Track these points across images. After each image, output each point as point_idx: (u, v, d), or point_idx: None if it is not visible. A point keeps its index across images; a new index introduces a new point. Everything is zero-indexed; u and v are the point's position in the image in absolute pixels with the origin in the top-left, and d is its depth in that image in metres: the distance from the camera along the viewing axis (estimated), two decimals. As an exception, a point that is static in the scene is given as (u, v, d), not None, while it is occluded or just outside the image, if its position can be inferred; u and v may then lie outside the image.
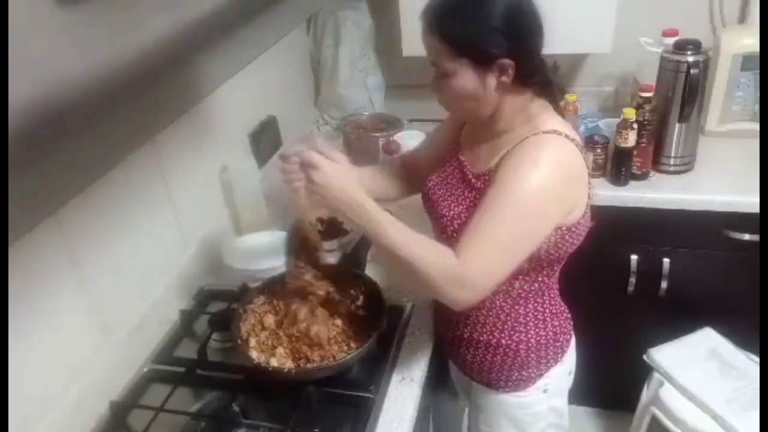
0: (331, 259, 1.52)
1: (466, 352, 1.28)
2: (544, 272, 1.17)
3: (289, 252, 1.25)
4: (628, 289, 1.90)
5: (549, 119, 1.09)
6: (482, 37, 1.01)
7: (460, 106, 1.10)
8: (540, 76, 1.10)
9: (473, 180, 1.16)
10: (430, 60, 1.08)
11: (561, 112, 1.16)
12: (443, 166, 1.25)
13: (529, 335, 1.21)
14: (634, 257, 1.87)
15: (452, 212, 1.17)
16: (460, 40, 1.02)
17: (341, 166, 1.05)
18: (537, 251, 1.09)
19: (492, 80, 1.04)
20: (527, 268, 1.13)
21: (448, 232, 1.16)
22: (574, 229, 1.10)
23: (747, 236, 1.76)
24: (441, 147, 1.30)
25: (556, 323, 1.24)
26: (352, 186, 1.04)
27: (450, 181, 1.22)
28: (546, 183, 1.03)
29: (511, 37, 1.02)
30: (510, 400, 1.27)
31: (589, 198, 1.12)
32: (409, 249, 1.01)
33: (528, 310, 1.20)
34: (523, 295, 1.19)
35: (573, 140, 1.07)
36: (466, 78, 1.04)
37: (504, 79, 1.04)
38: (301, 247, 1.25)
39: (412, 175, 1.37)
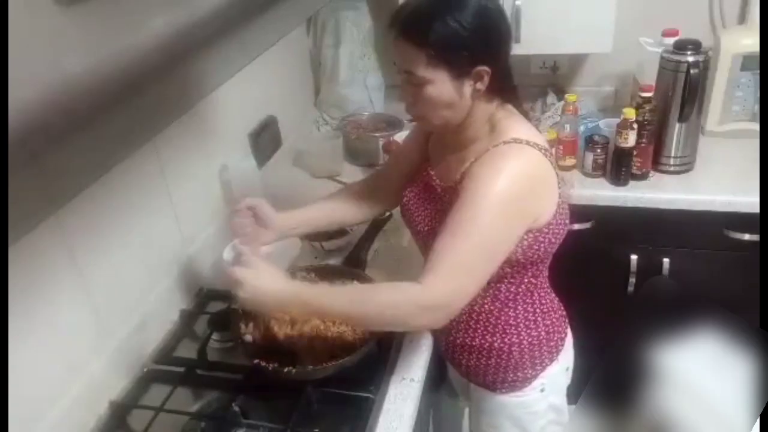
0: (332, 259, 1.52)
1: (461, 357, 1.28)
2: (529, 273, 1.17)
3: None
4: (628, 289, 1.90)
5: (512, 126, 1.08)
6: (461, 44, 1.00)
7: (434, 114, 1.08)
8: (511, 83, 1.10)
9: (441, 192, 1.17)
10: (402, 68, 1.05)
11: (526, 114, 1.16)
12: (416, 180, 1.26)
13: (521, 337, 1.21)
14: (634, 257, 1.87)
15: (426, 227, 1.19)
16: (439, 47, 1.00)
17: (260, 268, 1.06)
18: (513, 256, 1.09)
19: (468, 88, 1.04)
20: (510, 272, 1.13)
21: (426, 246, 1.16)
22: (546, 230, 1.10)
23: (747, 236, 1.76)
24: (409, 159, 1.30)
25: (548, 322, 1.24)
26: (278, 283, 1.06)
27: (423, 196, 1.23)
28: (506, 193, 1.02)
29: (486, 43, 1.02)
30: (509, 400, 1.27)
31: (560, 198, 1.11)
32: (368, 304, 1.04)
33: (518, 312, 1.20)
34: (511, 298, 1.18)
35: (535, 145, 1.06)
36: (442, 86, 1.03)
37: (479, 86, 1.04)
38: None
39: (381, 194, 1.36)
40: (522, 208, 1.05)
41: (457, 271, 1.01)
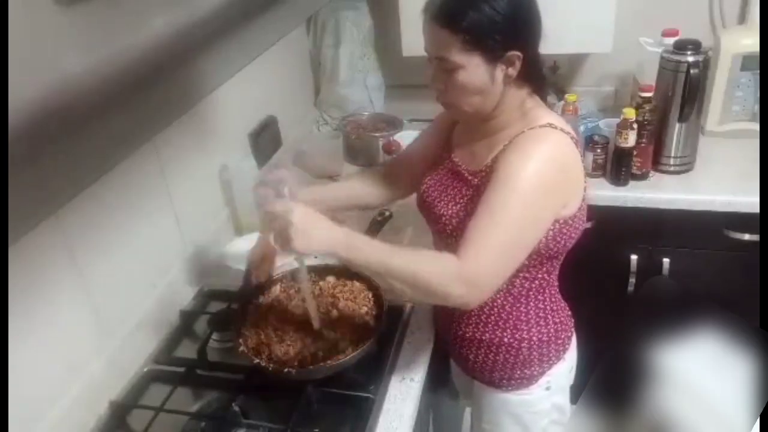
0: (331, 259, 1.52)
1: (468, 352, 1.28)
2: (544, 269, 1.17)
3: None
4: (628, 289, 1.90)
5: (544, 114, 1.10)
6: (495, 28, 1.01)
7: (465, 100, 1.09)
8: (541, 70, 1.11)
9: (470, 177, 1.16)
10: (434, 54, 1.06)
11: (551, 109, 1.17)
12: (437, 168, 1.26)
13: (531, 333, 1.21)
14: (634, 257, 1.87)
15: (450, 211, 1.17)
16: (474, 31, 1.01)
17: (308, 211, 1.02)
18: (536, 246, 1.09)
19: (500, 73, 1.05)
20: (527, 264, 1.13)
21: (447, 231, 1.17)
22: (570, 222, 1.11)
23: (747, 236, 1.77)
24: (430, 148, 1.30)
25: (557, 320, 1.24)
26: (327, 228, 1.02)
27: (445, 182, 1.22)
28: (542, 176, 1.03)
29: (519, 28, 1.03)
30: (513, 398, 1.27)
31: (585, 192, 1.13)
32: (405, 264, 1.02)
33: (530, 308, 1.20)
34: (524, 293, 1.19)
35: (568, 134, 1.08)
36: (475, 71, 1.04)
37: (511, 71, 1.05)
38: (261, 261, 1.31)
39: (401, 180, 1.36)
40: (555, 192, 1.06)
41: (494, 251, 1.02)
